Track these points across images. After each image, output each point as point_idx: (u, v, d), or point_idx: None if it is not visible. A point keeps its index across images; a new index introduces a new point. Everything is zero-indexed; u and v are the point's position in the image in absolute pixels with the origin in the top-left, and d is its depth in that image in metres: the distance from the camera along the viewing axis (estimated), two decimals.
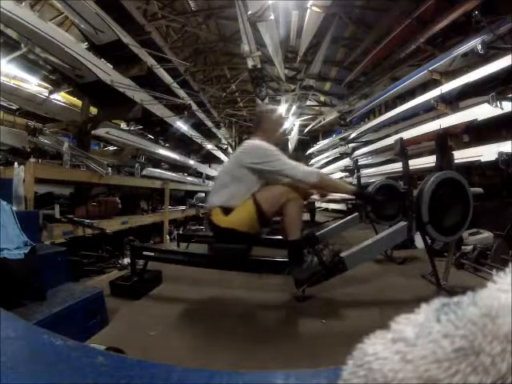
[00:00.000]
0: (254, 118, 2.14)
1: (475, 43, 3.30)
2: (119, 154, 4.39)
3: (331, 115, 8.17)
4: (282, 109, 2.25)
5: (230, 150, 10.29)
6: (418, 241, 2.80)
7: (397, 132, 5.19)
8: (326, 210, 8.69)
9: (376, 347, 0.22)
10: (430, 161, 3.67)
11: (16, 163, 2.07)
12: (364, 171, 5.81)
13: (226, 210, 1.77)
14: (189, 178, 6.00)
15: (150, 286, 2.12)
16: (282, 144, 11.83)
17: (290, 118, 9.01)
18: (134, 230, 3.50)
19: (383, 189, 2.93)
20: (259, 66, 5.48)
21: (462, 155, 3.20)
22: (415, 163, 3.88)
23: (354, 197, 2.11)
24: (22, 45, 2.63)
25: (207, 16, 5.77)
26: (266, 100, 7.19)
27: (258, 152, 1.81)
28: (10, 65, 3.01)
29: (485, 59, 3.30)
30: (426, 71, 4.17)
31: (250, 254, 1.88)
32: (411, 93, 5.01)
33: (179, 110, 5.12)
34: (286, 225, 1.76)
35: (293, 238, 1.75)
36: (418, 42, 4.37)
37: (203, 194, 6.11)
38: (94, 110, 3.91)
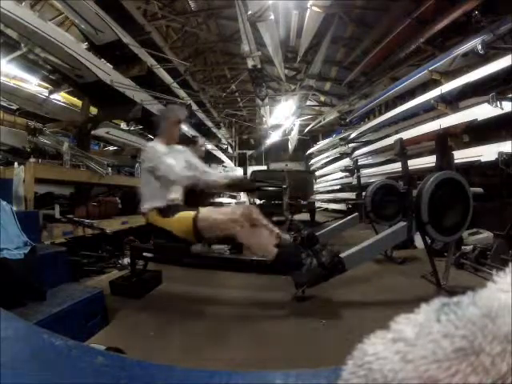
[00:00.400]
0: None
1: (475, 43, 3.30)
2: (119, 154, 4.39)
3: (331, 115, 8.18)
4: (177, 109, 2.33)
5: (230, 149, 10.30)
6: (418, 241, 2.80)
7: (397, 132, 5.20)
8: (326, 210, 8.69)
9: (376, 347, 0.22)
10: (430, 161, 3.67)
11: (16, 163, 2.07)
12: (364, 171, 5.81)
13: (163, 212, 1.86)
14: None
15: (150, 285, 2.12)
16: (282, 145, 11.92)
17: (290, 117, 9.03)
18: (133, 230, 3.49)
19: (383, 189, 2.94)
20: (259, 66, 5.48)
21: (462, 155, 3.20)
22: (415, 163, 3.88)
23: (230, 188, 2.17)
24: (22, 45, 2.63)
25: (207, 16, 5.78)
26: (266, 100, 7.20)
27: (147, 155, 1.94)
28: (10, 65, 3.01)
29: (485, 59, 3.30)
30: (425, 71, 4.17)
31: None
32: (411, 93, 5.01)
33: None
34: (258, 252, 1.76)
35: (271, 256, 1.71)
36: (418, 42, 4.38)
37: None
38: (94, 110, 3.91)
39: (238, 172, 10.52)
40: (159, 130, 2.09)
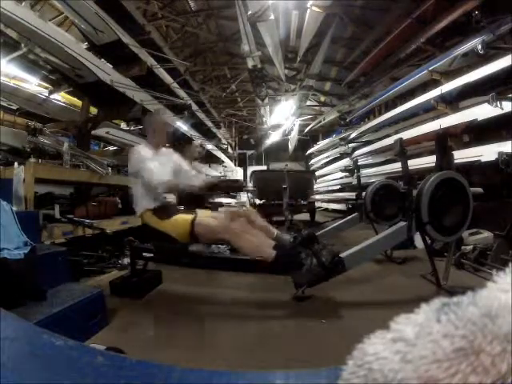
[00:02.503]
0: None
1: (475, 43, 3.30)
2: (119, 154, 4.38)
3: (331, 115, 8.17)
4: (162, 112, 2.39)
5: (229, 149, 10.31)
6: (418, 241, 2.80)
7: (397, 132, 5.20)
8: (326, 210, 8.69)
9: (376, 347, 0.22)
10: (430, 161, 3.67)
11: (16, 163, 2.07)
12: (364, 171, 5.81)
13: (158, 213, 1.89)
14: None
15: (149, 285, 2.12)
16: (282, 145, 11.93)
17: (290, 117, 9.03)
18: (133, 230, 3.49)
19: (383, 189, 2.93)
20: (259, 65, 5.48)
21: (461, 155, 3.20)
22: (415, 163, 3.88)
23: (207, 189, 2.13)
24: (22, 45, 2.63)
25: (207, 16, 5.77)
26: (266, 100, 7.20)
27: (131, 160, 1.96)
28: (10, 65, 3.01)
29: (485, 59, 3.30)
30: (426, 71, 4.17)
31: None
32: (411, 93, 5.01)
33: (179, 109, 5.12)
34: (252, 255, 1.75)
35: (269, 257, 1.71)
36: (418, 42, 4.38)
37: None
38: (94, 110, 3.91)
39: (238, 172, 10.54)
40: (147, 133, 2.13)
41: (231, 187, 2.29)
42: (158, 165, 1.95)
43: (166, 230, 1.85)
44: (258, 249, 1.73)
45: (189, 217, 1.84)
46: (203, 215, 1.90)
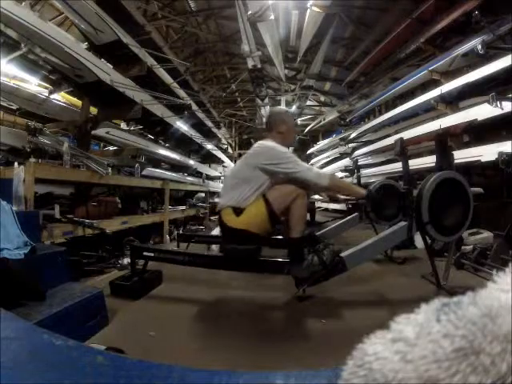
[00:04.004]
0: (268, 119, 2.11)
1: (475, 43, 3.30)
2: (119, 154, 4.38)
3: (331, 115, 8.17)
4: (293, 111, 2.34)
5: (229, 150, 10.30)
6: (418, 241, 2.80)
7: (397, 132, 5.19)
8: (326, 210, 8.69)
9: (376, 347, 0.22)
10: (430, 161, 3.67)
11: (16, 163, 2.07)
12: (364, 171, 5.81)
13: (237, 211, 1.77)
14: (189, 178, 6.00)
15: (150, 285, 2.12)
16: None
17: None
18: (133, 230, 3.49)
19: (383, 189, 2.93)
20: (259, 65, 5.48)
21: (461, 155, 3.20)
22: (415, 163, 3.88)
23: (364, 200, 2.05)
24: (22, 45, 2.63)
25: (207, 16, 5.78)
26: (266, 100, 7.19)
27: (271, 153, 1.82)
28: (10, 65, 3.01)
29: (485, 59, 3.30)
30: (426, 71, 4.17)
31: (260, 255, 1.88)
32: (411, 93, 5.01)
33: (179, 109, 5.12)
34: (291, 222, 1.77)
35: (295, 235, 1.76)
36: (418, 42, 4.38)
37: (203, 194, 6.10)
38: (94, 110, 3.91)
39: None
40: (274, 129, 1.97)
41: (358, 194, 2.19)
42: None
43: (244, 226, 1.74)
44: (302, 225, 1.78)
45: (257, 201, 1.75)
46: (272, 189, 1.80)
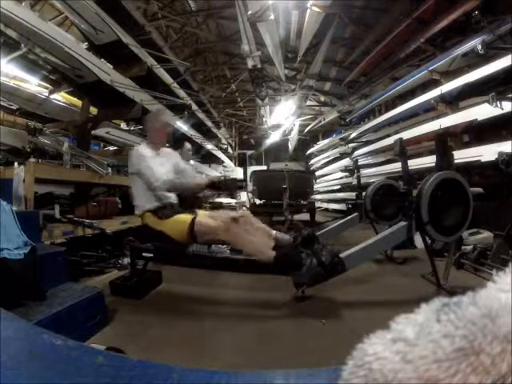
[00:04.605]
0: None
1: (475, 43, 3.30)
2: (119, 154, 4.38)
3: (331, 115, 8.17)
4: (162, 113, 2.41)
5: (229, 150, 10.31)
6: (418, 241, 2.80)
7: (397, 132, 5.19)
8: (326, 210, 8.69)
9: (376, 347, 0.22)
10: (430, 161, 3.67)
11: (16, 163, 2.07)
12: (364, 171, 5.81)
13: (157, 214, 1.89)
14: None
15: (150, 285, 2.12)
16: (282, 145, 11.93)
17: (290, 117, 9.03)
18: (133, 230, 3.49)
19: (383, 189, 2.93)
20: (259, 65, 5.48)
21: (461, 155, 3.20)
22: (415, 163, 3.88)
23: (208, 188, 2.15)
24: (22, 45, 2.63)
25: (207, 16, 5.77)
26: (266, 100, 7.20)
27: (131, 159, 1.97)
28: (10, 65, 3.01)
29: (485, 59, 3.30)
30: (426, 71, 4.17)
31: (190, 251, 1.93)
32: (411, 93, 5.01)
33: (179, 109, 5.12)
34: (253, 256, 1.76)
35: (269, 258, 1.70)
36: (417, 42, 4.37)
37: None
38: (94, 110, 3.91)
39: (238, 172, 10.52)
40: (147, 133, 2.13)
41: (231, 186, 2.29)
42: (158, 164, 1.96)
43: (165, 231, 1.85)
44: (258, 250, 1.73)
45: (188, 217, 1.83)
46: (202, 215, 1.90)
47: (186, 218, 1.84)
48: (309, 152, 11.31)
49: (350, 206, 6.39)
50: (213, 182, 2.12)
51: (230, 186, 2.30)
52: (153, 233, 1.90)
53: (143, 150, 2.01)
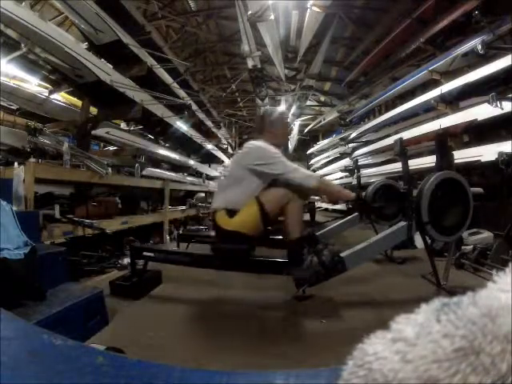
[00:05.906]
0: (258, 119, 2.12)
1: (475, 43, 3.30)
2: (119, 154, 4.38)
3: (331, 115, 8.17)
4: (286, 111, 2.29)
5: (230, 150, 10.29)
6: (418, 241, 2.80)
7: (397, 132, 5.19)
8: (326, 210, 8.69)
9: (376, 347, 0.22)
10: (429, 161, 3.67)
11: (16, 163, 2.07)
12: (364, 171, 5.81)
13: (230, 213, 1.76)
14: (189, 178, 6.00)
15: (149, 285, 2.12)
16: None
17: (290, 117, 9.02)
18: (133, 230, 3.50)
19: (383, 189, 2.93)
20: (259, 65, 5.48)
21: (461, 155, 3.20)
22: (415, 163, 3.88)
23: (352, 203, 2.07)
24: (22, 45, 2.63)
25: (207, 16, 5.78)
26: (266, 100, 7.19)
27: (258, 153, 1.80)
28: (10, 65, 3.01)
29: (485, 59, 3.30)
30: (426, 71, 4.17)
31: (252, 255, 1.87)
32: (411, 93, 5.01)
33: (179, 109, 5.12)
34: (287, 225, 1.78)
35: (293, 237, 1.76)
36: (417, 42, 4.37)
37: (203, 194, 6.10)
38: (94, 110, 3.90)
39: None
40: (266, 129, 1.95)
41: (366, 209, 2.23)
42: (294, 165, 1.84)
43: (236, 228, 1.73)
44: (298, 226, 1.77)
45: (252, 204, 1.73)
46: (265, 192, 1.79)
47: (248, 205, 1.74)
48: (309, 152, 11.31)
49: (350, 206, 6.38)
50: (360, 199, 2.04)
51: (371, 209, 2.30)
52: (223, 234, 1.79)
53: (269, 146, 1.85)
